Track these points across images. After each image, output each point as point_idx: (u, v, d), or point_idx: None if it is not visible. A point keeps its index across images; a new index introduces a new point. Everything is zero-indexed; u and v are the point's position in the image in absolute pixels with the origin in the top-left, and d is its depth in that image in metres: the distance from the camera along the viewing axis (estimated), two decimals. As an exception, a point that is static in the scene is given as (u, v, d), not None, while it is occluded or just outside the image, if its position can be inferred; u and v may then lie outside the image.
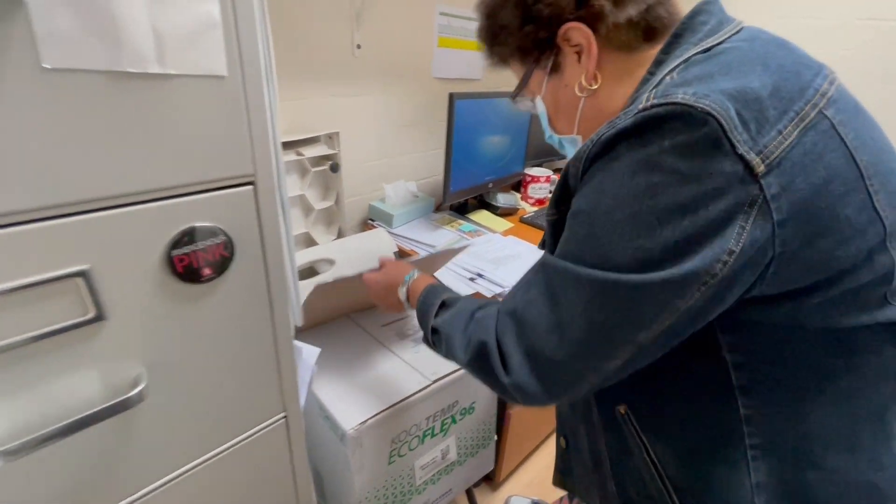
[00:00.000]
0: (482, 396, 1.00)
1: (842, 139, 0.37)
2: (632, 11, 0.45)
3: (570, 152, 0.55)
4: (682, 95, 0.35)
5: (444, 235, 1.37)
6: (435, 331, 0.57)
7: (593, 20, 0.46)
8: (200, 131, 0.41)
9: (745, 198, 0.34)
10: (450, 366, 0.91)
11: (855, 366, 0.40)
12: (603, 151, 0.39)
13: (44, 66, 0.32)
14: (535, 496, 0.99)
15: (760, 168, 0.34)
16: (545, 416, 1.38)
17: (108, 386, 0.42)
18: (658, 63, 0.45)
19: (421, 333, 1.06)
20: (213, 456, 0.53)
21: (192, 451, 0.52)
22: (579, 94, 0.50)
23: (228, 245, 0.46)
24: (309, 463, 0.66)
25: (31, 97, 0.32)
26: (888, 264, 0.38)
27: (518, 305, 0.45)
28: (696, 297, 0.36)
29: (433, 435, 0.92)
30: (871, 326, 0.39)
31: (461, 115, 1.28)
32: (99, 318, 0.40)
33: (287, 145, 1.12)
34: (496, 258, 1.26)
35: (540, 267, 0.46)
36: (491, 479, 1.36)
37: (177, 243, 0.42)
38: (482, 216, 1.55)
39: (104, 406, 0.40)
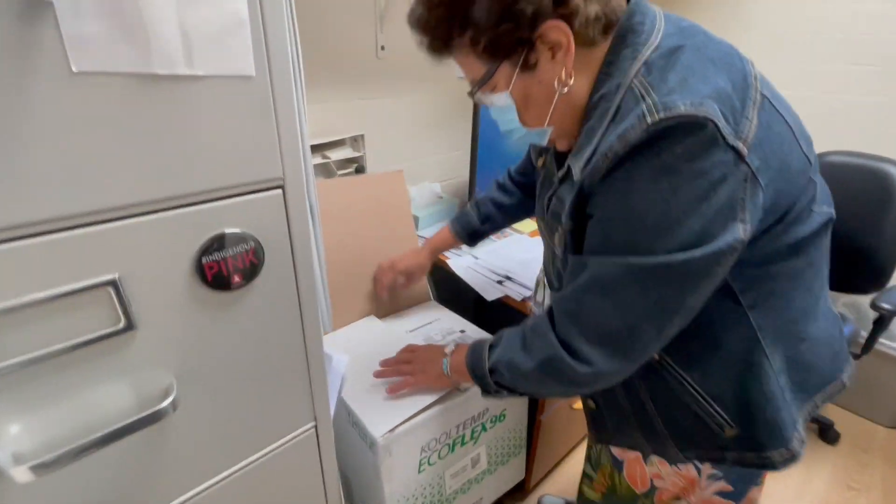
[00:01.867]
0: (513, 404, 0.97)
1: (777, 110, 0.49)
2: (597, 6, 0.48)
3: (538, 140, 0.58)
4: (683, 107, 0.42)
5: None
6: (493, 371, 0.62)
7: (570, 17, 0.47)
8: (229, 134, 0.40)
9: (742, 176, 0.44)
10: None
11: (809, 261, 0.55)
12: (619, 164, 0.45)
13: (73, 69, 0.31)
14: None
15: (745, 151, 0.44)
16: (575, 424, 1.34)
17: (140, 396, 0.41)
18: (609, 63, 0.49)
19: (451, 336, 1.03)
20: (244, 467, 0.52)
21: (223, 463, 0.50)
22: (557, 89, 0.51)
23: (258, 251, 0.44)
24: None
25: (60, 103, 0.31)
26: (813, 188, 0.53)
27: (572, 307, 0.53)
28: (729, 262, 0.47)
29: (463, 443, 0.89)
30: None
31: (487, 115, 1.25)
32: (129, 327, 0.39)
33: (313, 148, 1.12)
34: (523, 260, 1.23)
35: (582, 269, 0.51)
36: (521, 488, 1.32)
37: (206, 250, 0.41)
38: (508, 217, 1.52)
39: (136, 418, 0.39)
